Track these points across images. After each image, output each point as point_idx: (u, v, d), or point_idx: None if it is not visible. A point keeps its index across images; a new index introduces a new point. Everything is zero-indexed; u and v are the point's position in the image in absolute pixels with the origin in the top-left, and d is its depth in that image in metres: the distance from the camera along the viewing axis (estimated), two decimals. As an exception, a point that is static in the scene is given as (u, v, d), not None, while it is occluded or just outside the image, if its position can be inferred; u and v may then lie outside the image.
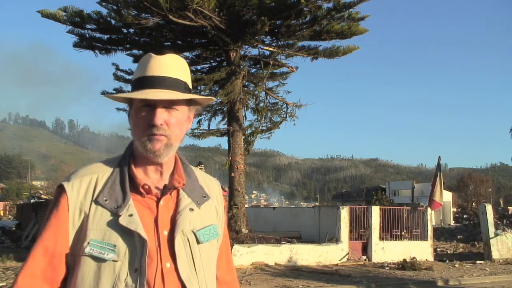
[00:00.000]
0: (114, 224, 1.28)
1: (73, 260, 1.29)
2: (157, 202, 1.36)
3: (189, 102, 1.40)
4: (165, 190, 1.38)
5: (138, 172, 1.37)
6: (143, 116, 1.33)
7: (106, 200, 1.30)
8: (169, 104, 1.33)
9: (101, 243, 1.26)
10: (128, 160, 1.38)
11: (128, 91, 1.47)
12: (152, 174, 1.39)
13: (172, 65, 1.36)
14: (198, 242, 1.37)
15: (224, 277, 1.53)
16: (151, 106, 1.32)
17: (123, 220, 1.28)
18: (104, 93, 16.21)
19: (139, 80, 1.35)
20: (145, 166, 1.38)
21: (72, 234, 1.29)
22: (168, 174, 1.41)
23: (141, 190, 1.35)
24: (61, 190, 1.31)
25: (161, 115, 1.32)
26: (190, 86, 1.40)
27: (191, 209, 1.39)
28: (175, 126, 1.35)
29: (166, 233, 1.33)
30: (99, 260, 1.26)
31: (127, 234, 1.28)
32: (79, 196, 1.30)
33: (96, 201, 1.30)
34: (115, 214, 1.29)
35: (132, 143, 1.40)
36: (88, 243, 1.26)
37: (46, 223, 1.29)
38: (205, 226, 1.41)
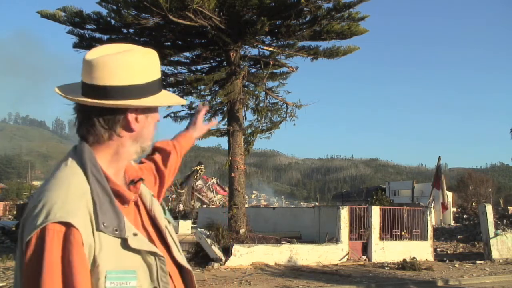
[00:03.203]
0: (124, 248, 1.18)
1: None
2: (136, 204, 1.32)
3: None
4: (132, 186, 1.32)
5: (118, 180, 1.28)
6: (155, 118, 1.33)
7: (104, 224, 1.16)
8: None
9: (118, 272, 1.15)
10: (100, 169, 1.23)
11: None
12: (120, 173, 1.32)
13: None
14: (169, 222, 1.40)
15: None
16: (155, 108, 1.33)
17: (133, 243, 1.19)
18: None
19: (153, 84, 1.28)
20: (116, 169, 1.29)
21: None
22: None
23: (127, 201, 1.28)
24: (70, 226, 1.11)
25: None
26: None
27: (153, 195, 1.39)
28: None
29: (151, 228, 1.32)
30: None
31: (139, 255, 1.21)
32: (86, 229, 1.13)
33: (97, 229, 1.15)
34: (119, 238, 1.18)
35: (90, 148, 1.24)
36: (106, 277, 1.13)
37: (72, 268, 1.08)
38: (159, 205, 1.41)
